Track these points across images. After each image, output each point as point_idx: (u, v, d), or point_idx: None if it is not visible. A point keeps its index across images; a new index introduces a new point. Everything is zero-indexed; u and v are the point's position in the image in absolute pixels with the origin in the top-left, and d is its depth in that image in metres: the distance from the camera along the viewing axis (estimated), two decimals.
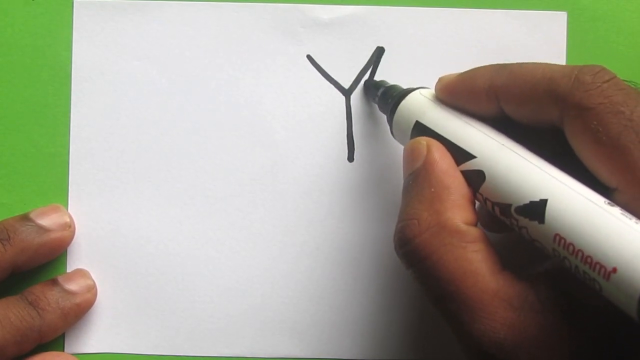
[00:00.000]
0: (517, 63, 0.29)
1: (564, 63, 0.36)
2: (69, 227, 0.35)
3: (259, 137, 0.36)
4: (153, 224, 0.36)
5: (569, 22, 0.37)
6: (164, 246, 0.36)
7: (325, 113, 0.37)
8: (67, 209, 0.36)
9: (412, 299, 0.36)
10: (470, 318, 0.25)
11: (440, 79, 0.31)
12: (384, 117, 0.36)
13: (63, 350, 0.35)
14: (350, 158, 0.36)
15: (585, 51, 0.37)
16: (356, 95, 0.37)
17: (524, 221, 0.26)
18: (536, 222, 0.25)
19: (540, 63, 0.28)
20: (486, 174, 0.27)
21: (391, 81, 0.36)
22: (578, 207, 0.24)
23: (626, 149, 0.24)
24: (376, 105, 0.36)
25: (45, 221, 0.34)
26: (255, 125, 0.36)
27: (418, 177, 0.28)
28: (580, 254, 0.24)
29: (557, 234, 0.25)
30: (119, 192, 0.36)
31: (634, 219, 0.24)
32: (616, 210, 0.24)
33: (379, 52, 0.37)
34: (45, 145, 0.36)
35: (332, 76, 0.37)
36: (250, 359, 0.36)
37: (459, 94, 0.30)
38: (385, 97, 0.34)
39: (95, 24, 0.36)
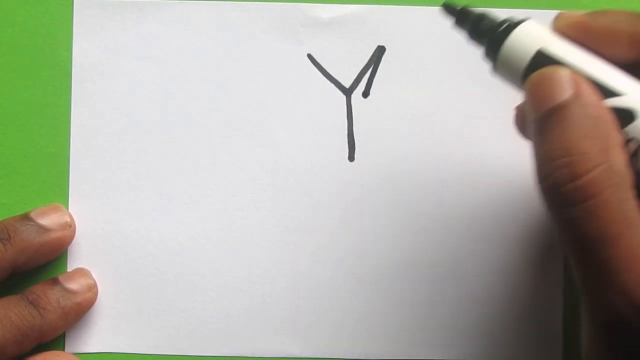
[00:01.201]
0: None
1: None
2: (70, 226, 0.35)
3: (259, 137, 0.36)
4: (153, 224, 0.36)
5: None
6: (164, 246, 0.36)
7: (326, 112, 0.36)
8: (68, 209, 0.36)
9: (413, 298, 0.36)
10: (625, 266, 0.24)
11: (562, 15, 0.28)
12: (385, 117, 0.36)
13: (63, 350, 0.35)
14: (351, 157, 0.36)
15: None
16: (357, 95, 0.37)
17: None
18: None
19: None
20: (637, 112, 0.26)
21: (392, 81, 0.36)
22: None
23: None
24: (376, 105, 0.36)
25: (46, 221, 0.34)
26: (255, 125, 0.36)
27: (570, 109, 0.26)
28: None
29: None
30: (119, 192, 0.36)
31: None
32: None
33: (380, 51, 0.37)
34: (45, 145, 0.36)
35: (333, 75, 0.37)
36: (250, 358, 0.36)
37: (595, 35, 0.28)
38: (484, 23, 0.30)
39: (96, 24, 0.36)
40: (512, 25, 0.28)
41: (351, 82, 0.37)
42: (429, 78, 0.36)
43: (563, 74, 0.26)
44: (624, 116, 0.26)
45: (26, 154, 0.36)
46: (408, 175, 0.36)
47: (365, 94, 0.37)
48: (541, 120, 0.26)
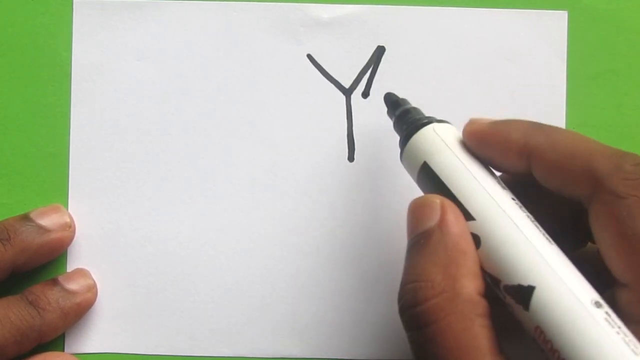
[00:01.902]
0: (554, 127, 0.28)
1: (564, 62, 0.36)
2: (69, 227, 0.35)
3: (259, 137, 0.36)
4: (153, 224, 0.36)
5: (569, 22, 0.37)
6: (164, 246, 0.36)
7: (326, 113, 0.36)
8: (67, 209, 0.36)
9: None
10: None
11: (471, 122, 0.30)
12: (385, 117, 0.36)
13: (63, 351, 0.35)
14: (351, 158, 0.36)
15: (585, 51, 0.37)
16: (356, 95, 0.37)
17: (510, 300, 0.25)
18: (521, 307, 0.25)
19: (579, 135, 0.27)
20: (482, 241, 0.26)
21: (392, 81, 0.36)
22: (563, 304, 0.24)
23: None
24: (376, 105, 0.36)
25: (46, 221, 0.34)
26: (255, 125, 0.36)
27: (431, 237, 0.27)
28: (556, 354, 0.23)
29: (538, 327, 0.24)
30: (119, 192, 0.36)
31: (616, 328, 0.23)
32: (601, 314, 0.23)
33: (380, 51, 0.37)
34: (45, 145, 0.36)
35: (333, 76, 0.37)
36: (250, 358, 0.36)
37: (489, 144, 0.28)
38: (400, 122, 0.32)
39: (95, 24, 0.36)
40: (410, 133, 0.30)
41: (351, 82, 0.37)
42: (429, 78, 0.37)
43: (433, 202, 0.28)
44: (475, 240, 0.27)
45: (26, 154, 0.36)
46: (408, 175, 0.36)
47: (365, 94, 0.37)
48: (409, 244, 0.28)
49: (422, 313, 0.26)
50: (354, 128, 0.36)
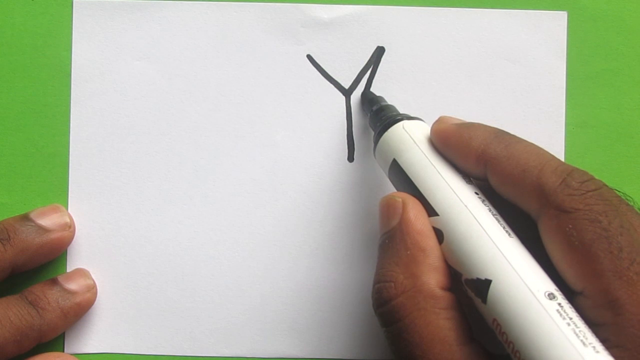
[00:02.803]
0: (515, 138, 0.29)
1: (564, 63, 0.36)
2: (69, 227, 0.35)
3: (259, 137, 0.36)
4: (153, 224, 0.36)
5: (569, 22, 0.37)
6: (164, 246, 0.36)
7: (325, 113, 0.36)
8: (67, 209, 0.36)
9: None
10: None
11: (439, 120, 0.31)
12: None
13: (63, 351, 0.35)
14: (350, 158, 0.36)
15: (585, 51, 0.37)
16: (356, 95, 0.37)
17: (471, 294, 0.26)
18: (480, 300, 0.26)
19: (536, 147, 0.28)
20: (444, 236, 0.27)
21: (391, 81, 0.36)
22: (517, 297, 0.24)
23: (597, 257, 0.24)
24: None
25: (45, 221, 0.34)
26: (255, 125, 0.36)
27: (394, 237, 0.28)
28: (511, 345, 0.24)
29: (494, 319, 0.25)
30: (119, 192, 0.36)
31: (567, 319, 0.24)
32: (553, 306, 0.24)
33: (379, 51, 0.37)
34: (45, 145, 0.36)
35: (332, 76, 0.37)
36: (250, 359, 0.36)
37: (451, 146, 0.29)
38: (374, 120, 0.34)
39: (95, 24, 0.36)
40: (381, 130, 0.31)
41: (351, 82, 0.37)
42: (429, 78, 0.37)
43: (396, 201, 0.29)
44: (439, 235, 0.28)
45: (26, 154, 0.36)
46: None
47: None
48: (378, 243, 0.30)
49: (388, 312, 0.27)
50: (353, 128, 0.36)
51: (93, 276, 0.35)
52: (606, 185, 0.26)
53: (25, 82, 0.36)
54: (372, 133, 0.36)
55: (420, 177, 0.29)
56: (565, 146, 0.36)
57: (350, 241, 0.36)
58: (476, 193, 0.28)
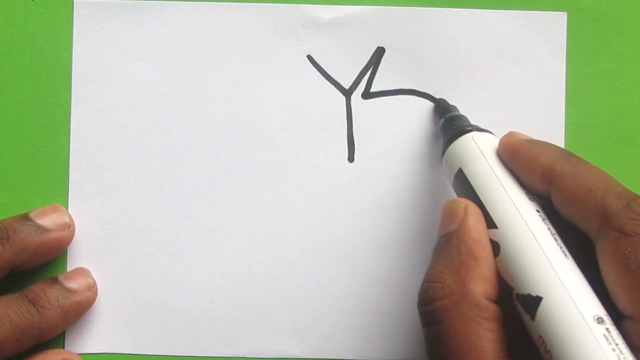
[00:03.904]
0: (581, 159, 0.29)
1: (564, 63, 0.36)
2: (69, 227, 0.35)
3: (259, 137, 0.36)
4: (153, 224, 0.36)
5: (569, 23, 0.37)
6: (164, 246, 0.36)
7: (326, 113, 0.37)
8: (67, 209, 0.36)
9: (413, 299, 0.36)
10: None
11: (509, 134, 0.31)
12: (385, 118, 0.36)
13: None
14: (351, 158, 0.36)
15: (585, 51, 0.37)
16: (356, 96, 0.37)
17: (520, 309, 0.26)
18: (529, 316, 0.26)
19: (603, 171, 0.28)
20: (501, 249, 0.28)
21: (392, 82, 0.36)
22: (566, 317, 0.25)
23: None
24: (376, 107, 0.36)
25: (45, 221, 0.34)
26: (255, 125, 0.36)
27: (451, 240, 0.29)
28: None
29: (540, 336, 0.25)
30: (119, 192, 0.36)
31: (613, 344, 0.24)
32: (600, 330, 0.24)
33: (380, 52, 0.37)
34: (45, 145, 0.36)
35: (333, 76, 0.37)
36: (250, 359, 0.36)
37: (519, 160, 0.30)
38: (445, 127, 0.34)
39: (95, 24, 0.36)
40: (450, 140, 0.32)
41: (351, 83, 0.37)
42: (429, 79, 0.37)
43: (459, 206, 0.29)
44: (495, 248, 0.28)
45: (26, 154, 0.36)
46: (407, 176, 0.36)
47: (365, 94, 0.37)
48: (435, 244, 0.30)
49: (431, 312, 0.27)
50: (354, 129, 0.36)
51: (93, 276, 0.35)
52: None
53: (25, 82, 0.36)
54: (376, 134, 0.36)
55: (484, 188, 0.29)
56: (565, 146, 0.36)
57: (350, 241, 0.36)
58: (537, 211, 0.28)
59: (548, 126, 0.36)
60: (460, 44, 0.37)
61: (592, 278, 0.26)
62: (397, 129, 0.36)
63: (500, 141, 0.31)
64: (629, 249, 0.25)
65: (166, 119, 0.36)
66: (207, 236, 0.36)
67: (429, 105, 0.36)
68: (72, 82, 0.36)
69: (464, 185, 0.30)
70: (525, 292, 0.26)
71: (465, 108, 0.36)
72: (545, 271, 0.26)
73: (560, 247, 0.27)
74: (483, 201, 0.29)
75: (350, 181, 0.36)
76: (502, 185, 0.29)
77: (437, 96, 0.36)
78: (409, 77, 0.37)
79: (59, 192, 0.36)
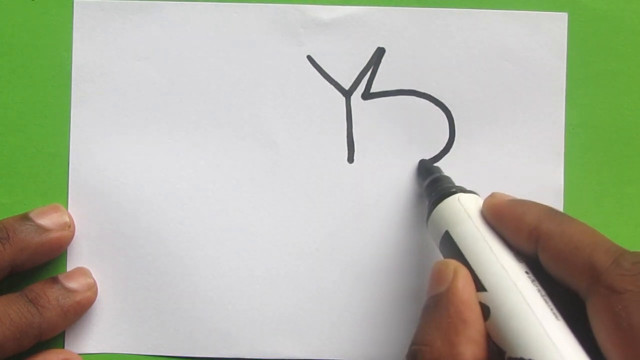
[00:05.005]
0: (568, 216, 0.29)
1: (564, 63, 0.36)
2: (69, 227, 0.35)
3: (259, 138, 0.36)
4: (153, 224, 0.36)
5: (569, 23, 0.37)
6: (164, 246, 0.36)
7: (326, 114, 0.36)
8: (67, 209, 0.36)
9: (412, 300, 0.36)
10: None
11: (492, 196, 0.31)
12: (385, 119, 0.36)
13: None
14: (350, 159, 0.36)
15: (585, 52, 0.37)
16: (356, 96, 0.37)
17: None
18: None
19: (589, 227, 0.28)
20: (491, 312, 0.27)
21: (392, 83, 0.36)
22: None
23: None
24: (376, 107, 0.36)
25: (45, 221, 0.34)
26: (255, 126, 0.36)
27: (439, 302, 0.28)
28: None
29: None
30: (119, 192, 0.36)
31: None
32: None
33: (380, 52, 0.37)
34: (45, 145, 0.36)
35: (333, 77, 0.37)
36: (250, 359, 0.36)
37: (504, 220, 0.30)
38: (430, 189, 0.34)
39: (95, 24, 0.36)
40: (436, 201, 0.32)
41: (351, 83, 0.37)
42: (429, 79, 0.37)
43: (448, 268, 0.29)
44: (485, 311, 0.28)
45: (26, 154, 0.36)
46: (407, 177, 0.36)
47: (365, 95, 0.37)
48: (425, 304, 0.29)
49: None
50: (353, 129, 0.36)
51: (93, 276, 0.35)
52: None
53: (25, 82, 0.36)
54: (376, 135, 0.36)
55: (472, 251, 0.29)
56: (565, 146, 0.36)
57: (350, 241, 0.36)
58: (526, 272, 0.28)
59: (548, 126, 0.36)
60: (461, 44, 0.37)
61: (584, 337, 0.26)
62: (397, 130, 0.36)
63: (484, 203, 0.31)
64: (620, 307, 0.25)
65: (166, 119, 0.36)
66: (207, 236, 0.36)
67: (429, 105, 0.36)
68: (72, 82, 0.36)
69: (452, 248, 0.30)
70: (518, 356, 0.26)
71: (465, 109, 0.36)
72: (537, 334, 0.26)
73: (551, 309, 0.27)
74: (471, 264, 0.29)
75: (350, 182, 0.36)
76: (490, 247, 0.29)
77: (438, 97, 0.36)
78: (409, 77, 0.37)
79: (59, 192, 0.36)
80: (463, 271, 0.29)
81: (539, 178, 0.36)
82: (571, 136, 0.37)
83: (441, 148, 0.36)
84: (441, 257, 0.32)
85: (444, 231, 0.31)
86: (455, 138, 0.37)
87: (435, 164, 0.36)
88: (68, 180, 0.36)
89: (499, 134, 0.36)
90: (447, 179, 0.34)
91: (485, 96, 0.36)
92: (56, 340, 0.35)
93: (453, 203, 0.31)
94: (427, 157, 0.36)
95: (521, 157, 0.36)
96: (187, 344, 0.36)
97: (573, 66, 0.37)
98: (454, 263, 0.29)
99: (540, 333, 0.26)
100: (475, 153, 0.36)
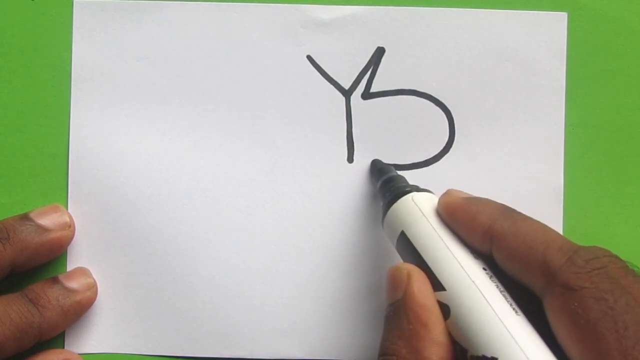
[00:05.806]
0: (522, 215, 0.29)
1: (564, 63, 0.36)
2: (69, 226, 0.35)
3: (259, 138, 0.36)
4: (153, 224, 0.36)
5: (569, 23, 0.37)
6: (163, 246, 0.36)
7: (325, 114, 0.37)
8: (67, 209, 0.36)
9: None
10: None
11: (446, 193, 0.31)
12: (384, 119, 0.36)
13: None
14: (350, 159, 0.36)
15: (585, 52, 0.37)
16: (356, 96, 0.37)
17: None
18: None
19: (543, 225, 0.28)
20: (451, 311, 0.27)
21: (391, 82, 0.36)
22: None
23: (602, 335, 0.24)
24: (376, 107, 0.36)
25: (45, 221, 0.34)
26: (254, 126, 0.36)
27: (398, 309, 0.28)
28: None
29: None
30: (119, 192, 0.36)
31: None
32: None
33: (379, 52, 0.37)
34: (45, 145, 0.36)
35: (332, 77, 0.37)
36: (250, 359, 0.36)
37: (458, 219, 0.29)
38: (383, 189, 0.34)
39: (95, 24, 0.36)
40: (390, 202, 0.31)
41: (351, 83, 0.37)
42: (429, 79, 0.37)
43: (402, 273, 0.29)
44: (444, 310, 0.27)
45: (26, 154, 0.36)
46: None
47: (365, 95, 0.37)
48: (385, 313, 0.29)
49: None
50: (353, 129, 0.36)
51: (93, 276, 0.35)
52: (612, 263, 0.26)
53: (25, 82, 0.36)
54: (376, 135, 0.36)
55: (428, 250, 0.29)
56: (565, 146, 0.36)
57: (350, 242, 0.36)
58: (484, 269, 0.28)
59: (548, 126, 0.36)
60: (461, 44, 0.37)
61: (544, 330, 0.26)
62: (397, 130, 0.36)
63: (439, 201, 0.31)
64: (576, 304, 0.25)
65: (166, 119, 0.36)
66: (207, 236, 0.36)
67: (429, 105, 0.36)
68: (72, 82, 0.36)
69: (408, 249, 0.30)
70: (480, 354, 0.26)
71: (465, 109, 0.36)
72: (498, 331, 0.26)
73: (511, 305, 0.27)
74: (428, 263, 0.29)
75: (350, 182, 0.36)
76: (447, 246, 0.29)
77: (437, 97, 0.36)
78: (409, 77, 0.37)
79: (58, 192, 0.36)
80: (417, 273, 0.28)
81: (539, 178, 0.36)
82: (571, 136, 0.37)
83: (441, 148, 0.36)
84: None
85: (399, 232, 0.31)
86: (455, 138, 0.37)
87: (394, 163, 0.36)
88: (68, 180, 0.36)
89: (499, 134, 0.36)
90: (401, 178, 0.34)
91: (485, 96, 0.36)
92: (56, 340, 0.35)
93: (407, 203, 0.31)
94: (427, 157, 0.36)
95: (521, 157, 0.36)
96: (187, 344, 0.36)
97: (573, 66, 0.37)
98: (407, 266, 0.29)
99: (501, 329, 0.26)
100: (475, 153, 0.36)
